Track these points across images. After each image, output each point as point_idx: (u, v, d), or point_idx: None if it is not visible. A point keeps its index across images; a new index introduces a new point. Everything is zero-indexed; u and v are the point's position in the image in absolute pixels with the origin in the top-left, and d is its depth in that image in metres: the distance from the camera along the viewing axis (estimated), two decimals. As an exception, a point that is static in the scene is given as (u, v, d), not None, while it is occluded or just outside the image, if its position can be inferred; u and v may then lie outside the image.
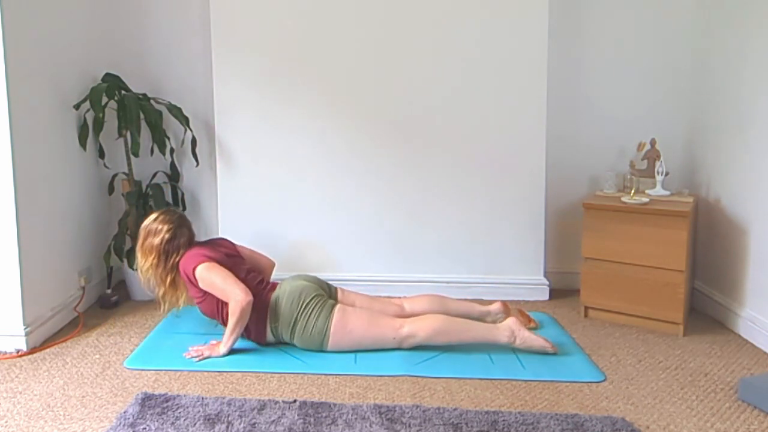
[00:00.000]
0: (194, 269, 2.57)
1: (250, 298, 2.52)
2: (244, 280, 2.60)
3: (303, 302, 2.58)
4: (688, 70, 3.38)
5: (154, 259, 2.65)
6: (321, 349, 2.59)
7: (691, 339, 2.83)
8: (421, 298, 2.84)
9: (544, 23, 3.21)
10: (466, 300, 3.01)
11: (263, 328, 2.62)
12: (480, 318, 2.82)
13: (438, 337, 2.59)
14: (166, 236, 2.65)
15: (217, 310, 2.63)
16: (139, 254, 2.70)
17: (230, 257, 2.71)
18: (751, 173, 2.85)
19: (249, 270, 2.73)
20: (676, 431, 2.05)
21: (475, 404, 2.21)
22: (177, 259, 2.66)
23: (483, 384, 2.37)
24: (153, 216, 2.72)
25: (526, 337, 2.58)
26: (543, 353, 2.58)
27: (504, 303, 2.92)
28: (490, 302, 2.94)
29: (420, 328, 2.58)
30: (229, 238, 2.88)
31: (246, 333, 2.63)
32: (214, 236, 3.45)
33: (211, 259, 2.60)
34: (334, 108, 3.31)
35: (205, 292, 2.60)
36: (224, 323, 2.62)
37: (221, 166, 3.38)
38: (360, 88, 3.30)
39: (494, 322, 2.77)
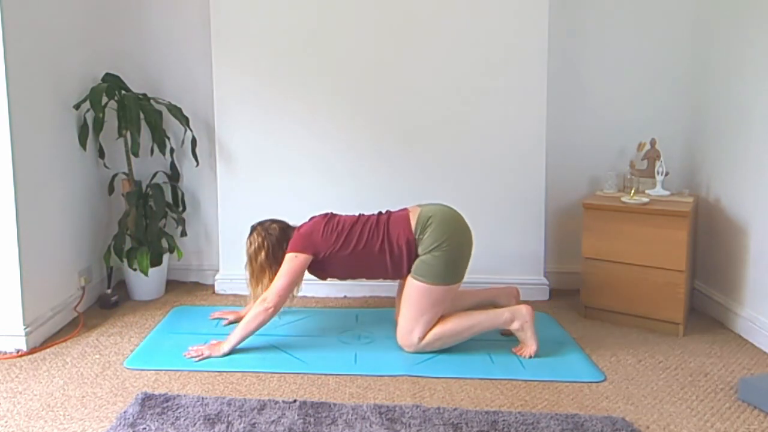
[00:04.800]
0: (294, 249, 2.62)
1: (274, 312, 2.55)
2: (372, 237, 2.62)
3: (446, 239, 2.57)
4: (688, 70, 3.38)
5: (271, 272, 2.67)
6: (426, 279, 2.55)
7: (691, 339, 2.83)
8: None
9: (544, 23, 3.21)
10: (475, 290, 2.96)
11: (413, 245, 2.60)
12: (491, 303, 2.84)
13: (447, 342, 2.59)
14: (266, 244, 2.70)
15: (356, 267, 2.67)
16: (254, 281, 2.72)
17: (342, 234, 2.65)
18: (751, 173, 2.85)
19: (365, 223, 2.68)
20: (676, 431, 2.05)
21: (475, 404, 2.21)
22: (285, 248, 2.67)
23: (483, 384, 2.37)
24: (247, 244, 2.77)
25: (526, 328, 2.58)
26: (519, 352, 2.60)
27: (516, 289, 2.93)
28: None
29: (438, 337, 2.57)
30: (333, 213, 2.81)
31: (389, 252, 2.60)
32: (216, 235, 3.48)
33: (304, 251, 2.60)
34: (335, 109, 3.31)
35: (338, 253, 2.62)
36: (367, 275, 2.72)
37: (221, 166, 3.38)
38: (360, 88, 3.30)
39: (508, 305, 2.77)
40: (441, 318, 2.60)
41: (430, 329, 2.57)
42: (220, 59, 3.29)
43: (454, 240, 2.58)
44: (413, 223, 2.60)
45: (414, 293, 2.57)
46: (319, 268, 2.69)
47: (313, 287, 3.25)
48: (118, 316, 3.10)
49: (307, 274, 2.71)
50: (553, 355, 2.59)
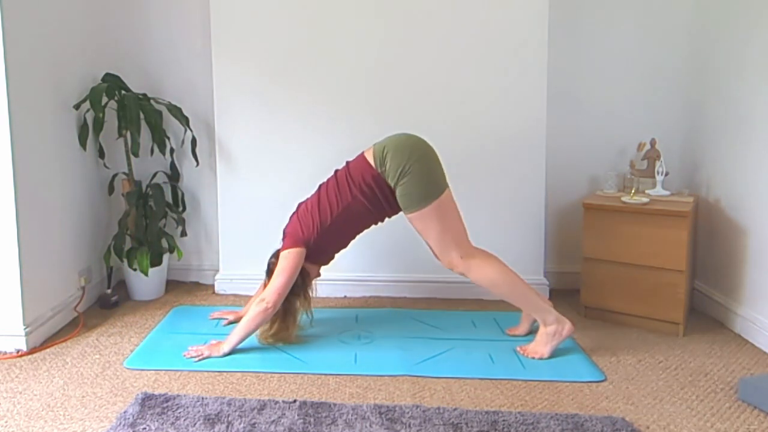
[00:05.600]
0: (285, 248, 2.64)
1: (273, 311, 2.56)
2: (341, 193, 2.64)
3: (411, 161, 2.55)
4: (688, 70, 3.38)
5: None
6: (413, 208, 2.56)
7: (691, 339, 2.83)
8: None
9: (544, 23, 3.20)
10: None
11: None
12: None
13: (493, 289, 2.61)
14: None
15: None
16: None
17: (317, 210, 2.67)
18: (751, 173, 2.85)
19: (333, 187, 2.69)
20: (676, 431, 2.05)
21: (475, 404, 2.21)
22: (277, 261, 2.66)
23: (483, 384, 2.37)
24: None
25: (555, 339, 2.58)
26: (525, 351, 2.61)
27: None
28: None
29: (486, 271, 2.56)
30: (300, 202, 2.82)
31: (369, 193, 2.59)
32: (216, 235, 3.48)
33: (294, 245, 2.62)
34: (335, 108, 3.31)
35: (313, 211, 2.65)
36: (360, 228, 2.72)
37: (221, 166, 3.38)
38: (360, 88, 3.30)
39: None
40: (500, 263, 2.59)
41: (480, 258, 2.57)
42: (220, 59, 3.29)
43: (414, 158, 2.55)
44: (371, 160, 2.61)
45: (419, 225, 2.59)
46: (316, 255, 2.70)
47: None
48: (118, 316, 3.10)
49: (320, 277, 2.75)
50: (553, 356, 2.59)
